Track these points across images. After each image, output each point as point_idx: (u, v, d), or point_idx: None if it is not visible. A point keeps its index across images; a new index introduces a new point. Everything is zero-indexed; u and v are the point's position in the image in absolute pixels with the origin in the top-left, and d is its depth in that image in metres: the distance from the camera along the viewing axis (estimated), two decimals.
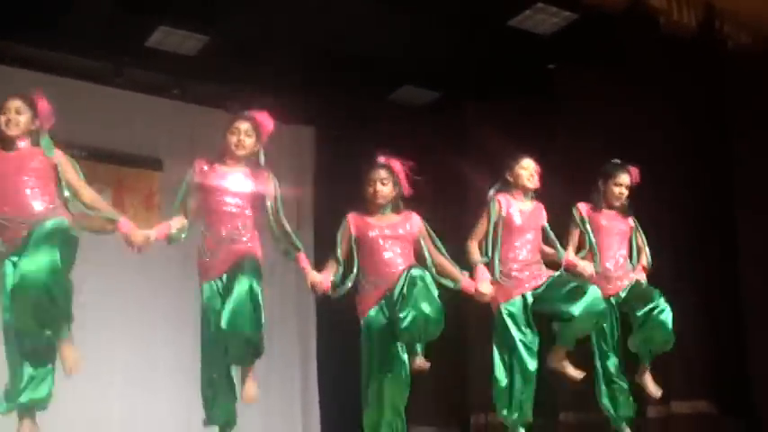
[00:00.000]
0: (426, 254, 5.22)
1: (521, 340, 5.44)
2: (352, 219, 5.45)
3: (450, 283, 5.20)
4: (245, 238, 5.18)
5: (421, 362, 5.37)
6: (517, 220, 5.65)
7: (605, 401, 5.93)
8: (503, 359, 5.46)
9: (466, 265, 5.44)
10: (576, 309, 5.31)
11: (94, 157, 9.56)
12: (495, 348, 5.50)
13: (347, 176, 10.39)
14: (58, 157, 5.14)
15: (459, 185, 9.77)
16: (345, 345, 9.73)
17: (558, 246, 5.77)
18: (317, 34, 8.69)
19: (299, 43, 8.88)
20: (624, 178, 6.03)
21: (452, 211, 9.12)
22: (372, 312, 5.12)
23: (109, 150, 9.68)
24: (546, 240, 5.78)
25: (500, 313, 5.50)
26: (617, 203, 6.05)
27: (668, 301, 5.79)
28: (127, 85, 9.68)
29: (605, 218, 6.03)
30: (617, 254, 5.93)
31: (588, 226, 5.93)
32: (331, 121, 10.68)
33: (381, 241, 5.22)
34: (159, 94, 9.92)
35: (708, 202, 7.85)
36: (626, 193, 6.03)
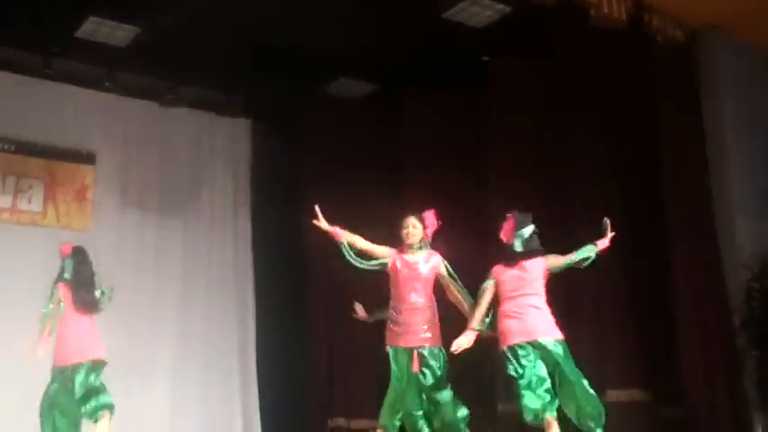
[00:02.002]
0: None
1: None
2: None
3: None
4: None
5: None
6: None
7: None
8: None
9: None
10: None
11: (25, 150, 9.40)
12: None
13: (283, 168, 10.44)
14: None
15: (395, 177, 9.81)
16: (283, 327, 9.89)
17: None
18: (251, 26, 8.63)
19: (234, 35, 8.81)
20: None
21: (389, 201, 9.15)
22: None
23: (40, 144, 9.50)
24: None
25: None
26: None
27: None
28: (57, 77, 9.48)
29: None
30: None
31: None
32: (267, 114, 10.62)
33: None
34: (91, 86, 9.73)
35: (638, 189, 7.99)
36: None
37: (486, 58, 9.01)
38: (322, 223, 5.72)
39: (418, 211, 5.90)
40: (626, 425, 7.10)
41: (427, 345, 5.63)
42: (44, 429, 6.46)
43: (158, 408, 9.59)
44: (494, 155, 9.01)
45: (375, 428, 5.76)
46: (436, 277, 5.81)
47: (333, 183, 9.59)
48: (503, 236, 5.97)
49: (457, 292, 5.82)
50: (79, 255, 6.89)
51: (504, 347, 5.61)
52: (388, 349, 5.67)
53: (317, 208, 5.74)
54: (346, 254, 5.68)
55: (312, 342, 9.97)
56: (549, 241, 8.33)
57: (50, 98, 9.51)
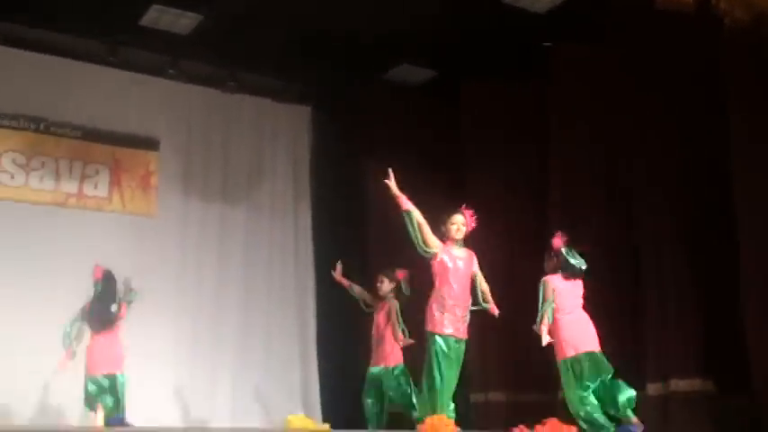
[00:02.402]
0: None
1: None
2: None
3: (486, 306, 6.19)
4: None
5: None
6: None
7: None
8: None
9: None
10: None
11: (91, 137, 9.59)
12: None
13: (343, 155, 10.45)
14: None
15: (454, 163, 9.76)
16: (343, 316, 9.93)
17: None
18: (311, 12, 8.64)
19: (294, 22, 8.84)
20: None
21: (448, 188, 9.11)
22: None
23: (105, 131, 9.67)
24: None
25: None
26: None
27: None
28: (121, 65, 9.65)
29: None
30: None
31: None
32: (327, 101, 10.64)
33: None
34: (154, 74, 9.87)
35: (705, 176, 7.80)
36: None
37: (547, 45, 8.88)
38: (392, 185, 5.90)
39: (464, 210, 6.12)
40: (688, 414, 6.99)
41: (465, 338, 5.97)
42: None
43: (221, 391, 9.74)
44: (554, 143, 8.89)
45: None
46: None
47: (392, 169, 9.55)
48: (556, 247, 6.37)
49: (482, 288, 6.16)
50: (108, 278, 7.75)
51: (568, 357, 6.16)
52: (436, 337, 5.84)
53: (390, 170, 5.92)
54: (409, 223, 5.87)
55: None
56: (613, 229, 8.30)
57: (115, 85, 9.69)
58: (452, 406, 5.90)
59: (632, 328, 7.82)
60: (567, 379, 6.22)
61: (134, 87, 9.81)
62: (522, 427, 6.09)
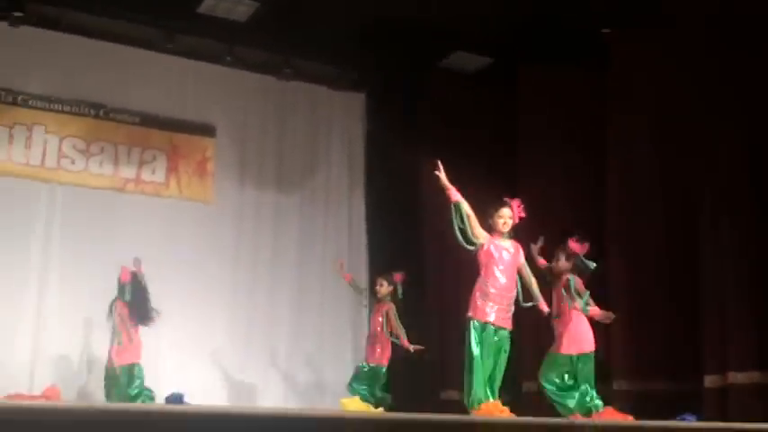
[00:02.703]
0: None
1: None
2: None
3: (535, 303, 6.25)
4: None
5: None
6: None
7: None
8: None
9: None
10: None
11: (148, 123, 9.72)
12: None
13: (398, 142, 10.44)
14: None
15: (509, 153, 9.68)
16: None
17: None
18: (368, 0, 8.64)
19: (350, 9, 8.84)
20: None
21: (503, 176, 9.05)
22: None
23: (162, 117, 9.79)
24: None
25: None
26: None
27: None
28: (179, 52, 9.75)
29: None
30: None
31: None
32: (381, 88, 10.63)
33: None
34: (211, 61, 9.96)
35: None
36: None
37: (605, 31, 8.76)
38: (442, 176, 6.00)
39: (511, 202, 6.19)
40: (746, 407, 6.87)
41: (509, 328, 6.08)
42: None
43: (274, 377, 9.85)
44: (612, 133, 8.74)
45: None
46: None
47: (447, 158, 9.51)
48: (575, 250, 6.59)
49: (530, 284, 6.24)
50: (136, 278, 7.92)
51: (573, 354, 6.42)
52: (473, 322, 5.94)
53: (438, 162, 6.00)
54: (457, 215, 5.97)
55: (426, 316, 9.97)
56: (672, 220, 8.16)
57: (172, 72, 9.81)
58: (492, 392, 5.91)
59: (690, 321, 7.70)
60: (553, 369, 6.49)
61: (191, 74, 9.91)
62: (577, 414, 6.05)
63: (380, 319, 8.30)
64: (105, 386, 7.82)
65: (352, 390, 8.28)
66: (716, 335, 7.38)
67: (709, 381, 7.37)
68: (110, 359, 7.74)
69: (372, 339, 8.39)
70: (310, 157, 10.55)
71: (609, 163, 8.68)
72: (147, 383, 7.83)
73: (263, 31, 9.41)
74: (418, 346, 8.21)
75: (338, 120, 10.74)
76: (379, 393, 8.21)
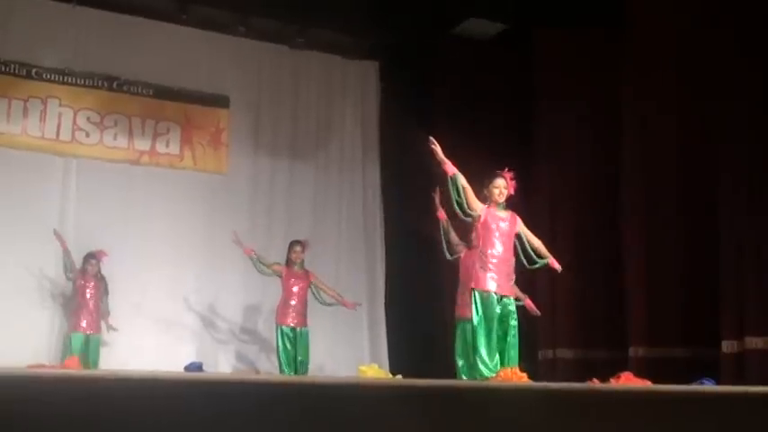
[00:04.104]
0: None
1: None
2: None
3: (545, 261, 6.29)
4: None
5: None
6: None
7: None
8: None
9: None
10: None
11: (162, 94, 9.71)
12: None
13: (412, 111, 10.40)
14: None
15: (525, 120, 9.62)
16: (412, 274, 9.96)
17: None
18: None
19: None
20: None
21: (519, 146, 9.01)
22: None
23: (176, 88, 9.78)
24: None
25: None
26: None
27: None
28: (192, 23, 9.71)
29: None
30: None
31: None
32: (395, 56, 10.57)
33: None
34: (224, 31, 9.92)
35: None
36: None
37: None
38: (437, 150, 6.09)
39: (504, 174, 6.20)
40: (764, 372, 6.86)
41: (513, 295, 6.19)
42: None
43: None
44: (630, 98, 8.63)
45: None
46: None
47: (462, 126, 9.49)
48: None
49: (534, 246, 6.26)
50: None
51: None
52: (476, 293, 5.99)
53: (431, 138, 6.13)
54: (454, 188, 6.04)
55: (441, 289, 9.97)
56: (690, 185, 8.10)
57: (186, 43, 9.77)
58: (509, 359, 5.95)
59: (708, 287, 7.67)
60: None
61: (204, 45, 9.88)
62: (595, 379, 6.06)
63: (301, 284, 8.55)
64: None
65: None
66: (733, 300, 7.36)
67: (727, 346, 7.37)
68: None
69: (287, 304, 8.51)
70: (324, 127, 10.53)
71: (625, 127, 8.60)
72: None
73: (276, 1, 9.35)
74: (357, 302, 8.92)
75: (352, 89, 10.69)
76: (300, 357, 8.44)
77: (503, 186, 6.14)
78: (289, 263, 8.60)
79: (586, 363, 8.58)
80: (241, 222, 9.84)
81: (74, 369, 7.19)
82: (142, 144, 9.57)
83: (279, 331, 8.41)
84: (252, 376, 7.75)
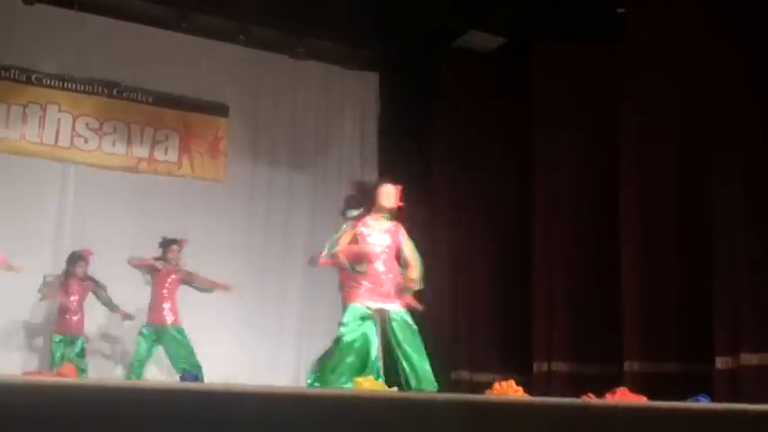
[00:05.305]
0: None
1: None
2: None
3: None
4: None
5: None
6: None
7: None
8: None
9: None
10: None
11: (161, 102, 9.73)
12: None
13: (411, 122, 10.42)
14: None
15: (524, 134, 9.64)
16: None
17: None
18: None
19: None
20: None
21: (518, 159, 9.03)
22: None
23: (175, 96, 9.79)
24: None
25: None
26: None
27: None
28: (192, 31, 9.74)
29: None
30: None
31: None
32: (395, 67, 10.59)
33: None
34: (225, 40, 9.94)
35: None
36: None
37: (621, 10, 8.68)
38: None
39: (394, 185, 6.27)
40: (759, 389, 6.86)
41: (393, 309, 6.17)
42: None
43: (286, 356, 9.88)
44: (629, 113, 8.65)
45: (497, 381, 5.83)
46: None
47: (461, 137, 9.52)
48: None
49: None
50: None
51: None
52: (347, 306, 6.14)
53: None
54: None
55: (438, 297, 9.99)
56: (686, 198, 8.12)
57: (186, 51, 9.79)
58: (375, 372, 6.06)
59: (702, 302, 7.68)
60: None
61: (205, 53, 9.90)
62: (590, 394, 6.05)
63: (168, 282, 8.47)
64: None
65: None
66: (728, 316, 7.36)
67: (721, 362, 7.36)
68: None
69: (158, 304, 8.41)
70: (323, 137, 10.54)
71: (623, 142, 8.62)
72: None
73: (277, 10, 9.38)
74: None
75: (351, 99, 10.71)
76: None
77: (391, 194, 6.15)
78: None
79: (581, 376, 8.58)
80: (238, 232, 9.86)
81: (70, 376, 7.19)
82: (141, 151, 9.58)
83: None
84: (245, 387, 7.72)
